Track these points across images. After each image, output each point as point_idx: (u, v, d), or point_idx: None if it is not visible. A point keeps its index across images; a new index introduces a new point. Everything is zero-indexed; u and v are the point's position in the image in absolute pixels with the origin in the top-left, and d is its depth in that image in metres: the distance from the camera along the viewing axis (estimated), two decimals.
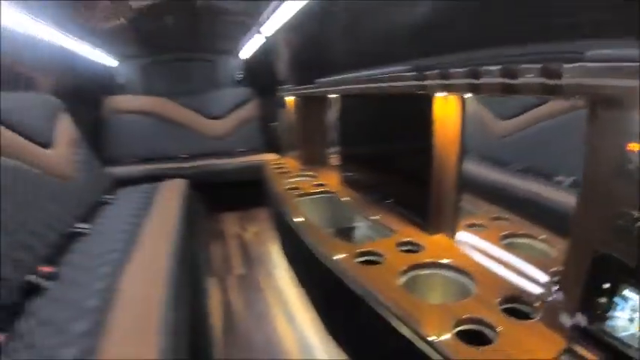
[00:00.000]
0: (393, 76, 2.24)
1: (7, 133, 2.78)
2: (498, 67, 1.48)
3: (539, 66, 1.30)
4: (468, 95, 2.02)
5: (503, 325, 1.43)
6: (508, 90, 1.48)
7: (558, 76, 1.24)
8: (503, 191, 3.29)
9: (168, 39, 5.81)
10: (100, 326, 1.79)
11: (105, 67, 5.94)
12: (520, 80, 1.41)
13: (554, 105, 3.38)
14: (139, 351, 1.61)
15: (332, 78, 3.24)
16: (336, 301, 2.22)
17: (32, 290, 2.12)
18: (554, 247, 1.99)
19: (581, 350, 1.26)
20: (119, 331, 1.76)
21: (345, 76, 2.98)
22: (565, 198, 2.88)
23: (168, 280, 2.19)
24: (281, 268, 4.02)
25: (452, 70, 1.74)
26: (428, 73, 1.92)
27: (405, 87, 2.12)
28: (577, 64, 1.17)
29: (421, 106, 2.15)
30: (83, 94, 5.26)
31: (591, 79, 1.15)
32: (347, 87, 2.92)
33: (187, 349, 1.98)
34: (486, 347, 1.34)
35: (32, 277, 2.15)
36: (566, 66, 1.20)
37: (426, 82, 1.95)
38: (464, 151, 2.10)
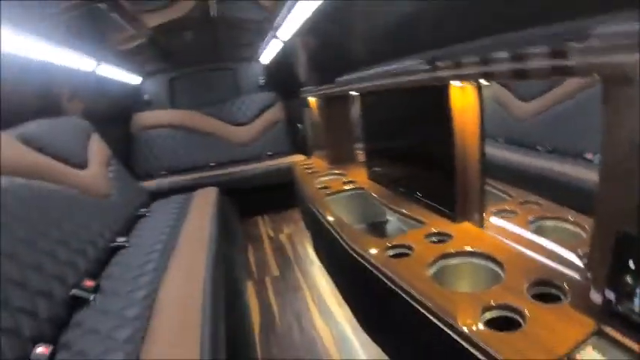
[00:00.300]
0: (408, 70, 2.26)
1: (44, 158, 2.91)
2: (507, 53, 1.48)
3: (546, 48, 1.31)
4: (483, 82, 2.02)
5: (531, 309, 1.43)
6: (520, 75, 1.49)
7: (566, 56, 1.24)
8: (530, 174, 3.28)
9: (188, 52, 5.92)
10: (142, 332, 1.88)
11: (130, 86, 6.05)
12: (530, 64, 1.41)
13: (575, 82, 3.36)
14: (180, 353, 1.68)
15: (350, 76, 3.27)
16: (369, 296, 2.25)
17: (77, 303, 2.22)
18: (584, 228, 2.01)
19: (610, 331, 1.25)
20: (161, 336, 1.84)
21: (362, 73, 3.00)
22: (590, 175, 2.87)
23: (205, 286, 2.26)
24: (315, 266, 4.08)
25: (463, 60, 1.76)
26: (440, 64, 1.93)
27: (420, 80, 2.14)
28: (584, 43, 1.17)
29: (439, 96, 2.15)
30: (112, 114, 5.45)
31: (599, 57, 1.15)
32: (365, 84, 2.95)
33: (227, 351, 2.05)
34: (515, 332, 1.35)
35: (76, 291, 2.25)
36: (573, 45, 1.20)
37: (439, 74, 1.97)
38: (484, 138, 2.09)
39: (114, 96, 5.43)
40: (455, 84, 2.05)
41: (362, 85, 3.01)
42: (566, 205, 2.29)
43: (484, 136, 2.09)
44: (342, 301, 3.15)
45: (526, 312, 1.42)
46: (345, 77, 3.37)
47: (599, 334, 1.26)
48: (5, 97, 2.76)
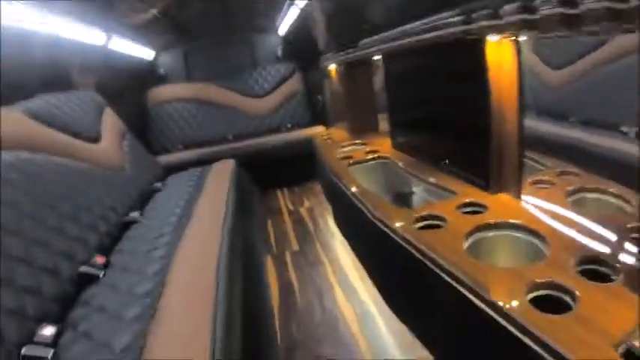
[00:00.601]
0: (439, 24, 2.05)
1: (53, 132, 2.83)
2: None
3: None
4: (523, 38, 1.81)
5: (582, 289, 1.26)
6: (568, 22, 1.28)
7: None
8: (564, 146, 3.09)
9: (203, 24, 5.72)
10: (151, 310, 1.76)
11: (144, 60, 5.94)
12: (582, 8, 1.20)
13: (609, 49, 3.15)
14: (189, 331, 1.56)
15: (374, 37, 3.05)
16: (397, 271, 2.10)
17: (86, 280, 2.13)
18: (628, 202, 1.83)
19: None
20: (170, 313, 1.72)
21: (387, 33, 2.79)
22: (631, 149, 2.69)
23: (220, 261, 2.13)
24: (337, 240, 3.94)
25: (502, 8, 1.55)
26: (476, 15, 1.72)
27: (453, 33, 1.93)
28: None
29: (473, 54, 1.95)
30: (126, 89, 5.33)
31: None
32: (391, 44, 2.73)
33: (244, 330, 1.94)
34: (567, 314, 1.18)
35: (85, 268, 2.16)
36: None
37: (474, 26, 1.76)
38: (524, 100, 1.89)
39: (128, 71, 5.32)
40: (492, 38, 1.84)
41: (387, 45, 2.79)
42: (604, 177, 2.10)
43: (523, 97, 1.89)
44: (365, 276, 3.01)
45: (577, 292, 1.25)
46: (369, 39, 3.15)
47: None
48: (9, 71, 2.64)
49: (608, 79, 3.22)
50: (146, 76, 6.16)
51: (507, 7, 1.52)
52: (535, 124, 3.28)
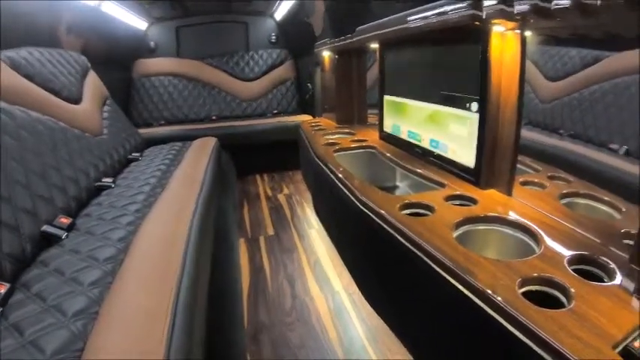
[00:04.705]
0: (443, 10, 1.96)
1: (36, 88, 2.73)
2: None
3: None
4: (529, 33, 1.73)
5: (576, 287, 1.18)
6: (584, 11, 1.19)
7: None
8: (552, 155, 3.07)
9: (200, 1, 5.60)
10: (111, 276, 1.65)
11: (136, 30, 5.79)
12: None
13: (605, 66, 3.15)
14: (150, 301, 1.44)
15: (373, 23, 2.95)
16: (378, 257, 2.00)
17: (48, 241, 2.01)
18: (617, 207, 1.79)
19: None
20: (131, 281, 1.60)
21: (386, 19, 2.69)
22: (618, 164, 2.68)
23: (191, 233, 2.02)
24: (314, 229, 3.89)
25: None
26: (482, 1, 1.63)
27: (456, 19, 1.83)
28: None
29: (475, 44, 1.87)
30: (113, 57, 5.20)
31: None
32: (391, 29, 2.63)
33: (210, 308, 1.83)
34: (562, 310, 1.10)
35: (48, 228, 2.04)
36: None
37: (483, 10, 1.67)
38: (523, 96, 1.82)
39: (117, 38, 5.17)
40: (497, 29, 1.76)
41: (386, 30, 2.69)
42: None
43: (523, 94, 1.81)
44: (340, 268, 2.95)
45: (571, 289, 1.17)
46: (368, 25, 3.05)
47: None
48: None
49: (599, 97, 3.22)
50: (135, 46, 6.01)
51: None
52: (524, 134, 3.26)
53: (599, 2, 1.12)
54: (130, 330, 1.29)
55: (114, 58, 5.22)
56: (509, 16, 1.56)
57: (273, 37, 6.54)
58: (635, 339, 0.99)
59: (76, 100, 3.24)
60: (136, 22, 5.55)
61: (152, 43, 6.17)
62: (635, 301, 1.11)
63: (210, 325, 1.79)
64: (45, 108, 2.70)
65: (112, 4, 4.30)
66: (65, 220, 2.16)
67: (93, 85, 3.74)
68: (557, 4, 1.28)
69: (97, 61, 4.06)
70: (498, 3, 1.57)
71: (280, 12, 5.94)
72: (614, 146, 2.96)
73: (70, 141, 2.76)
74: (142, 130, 4.81)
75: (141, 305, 1.42)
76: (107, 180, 2.90)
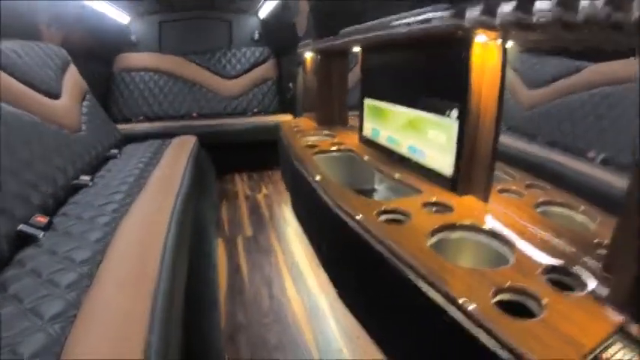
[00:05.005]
0: (427, 18, 1.99)
1: (12, 81, 2.65)
2: None
3: None
4: (510, 44, 1.77)
5: (548, 297, 1.23)
6: (565, 26, 1.23)
7: (628, 7, 1.00)
8: (530, 163, 3.14)
9: None
10: (88, 279, 1.64)
11: (117, 24, 5.71)
12: (581, 14, 1.15)
13: (586, 76, 3.24)
14: (127, 304, 1.45)
15: (357, 26, 2.98)
16: (355, 263, 2.02)
17: (25, 240, 1.99)
18: (592, 217, 1.86)
19: (635, 330, 1.08)
20: (109, 284, 1.60)
21: (372, 22, 2.72)
22: (595, 172, 2.76)
23: (169, 235, 2.01)
24: (292, 230, 3.91)
25: (498, 6, 1.49)
26: (469, 10, 1.67)
27: (441, 28, 1.87)
28: None
29: (457, 52, 1.91)
30: (94, 51, 5.12)
31: None
32: (375, 34, 2.65)
33: (187, 309, 1.83)
34: (533, 320, 1.14)
35: (24, 227, 2.01)
36: None
37: (464, 21, 1.70)
38: (502, 105, 1.86)
39: (99, 32, 5.09)
40: (479, 39, 1.80)
41: (369, 35, 2.72)
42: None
43: (502, 103, 1.86)
44: (318, 270, 2.97)
45: (544, 299, 1.21)
46: (352, 28, 3.08)
47: (624, 332, 1.09)
48: None
49: (578, 106, 3.30)
50: (117, 40, 5.93)
51: (502, 6, 1.47)
52: (503, 139, 3.32)
53: (579, 18, 1.17)
54: (108, 333, 1.30)
55: (95, 52, 5.15)
56: (491, 27, 1.60)
57: (257, 35, 6.52)
58: (605, 349, 1.03)
59: (56, 95, 3.18)
60: (118, 15, 5.48)
61: (134, 38, 6.10)
62: (606, 311, 1.16)
63: (188, 326, 1.80)
64: (23, 102, 2.64)
65: None
66: (42, 219, 2.13)
67: (73, 79, 3.68)
68: (538, 18, 1.32)
69: (77, 55, 3.99)
70: (481, 14, 1.61)
71: (264, 10, 5.92)
72: (591, 154, 3.04)
73: (47, 137, 2.71)
74: (120, 126, 4.73)
75: (119, 308, 1.43)
76: (85, 178, 2.86)
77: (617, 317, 1.13)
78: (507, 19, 1.47)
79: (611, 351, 1.03)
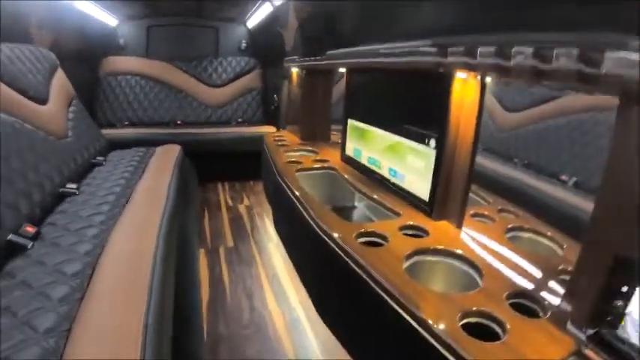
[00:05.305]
0: (411, 51, 2.11)
1: (3, 87, 2.66)
2: (530, 49, 1.35)
3: (577, 51, 1.18)
4: (489, 80, 1.89)
5: (511, 321, 1.34)
6: (539, 75, 1.35)
7: (597, 64, 1.13)
8: (505, 185, 3.28)
9: (172, 2, 5.57)
10: (80, 292, 1.70)
11: (105, 27, 5.73)
12: (554, 65, 1.28)
13: (563, 103, 3.40)
14: (122, 319, 1.51)
15: (342, 50, 3.09)
16: (333, 282, 2.12)
17: (14, 250, 2.02)
18: (560, 245, 1.96)
19: (591, 354, 1.18)
20: (101, 297, 1.66)
21: (358, 48, 2.83)
22: (566, 196, 2.90)
23: (157, 249, 2.08)
24: (273, 243, 3.98)
25: (479, 49, 1.62)
26: (452, 49, 1.79)
27: (424, 63, 1.99)
28: (619, 53, 1.05)
29: (438, 86, 2.02)
30: (81, 53, 5.11)
31: (633, 71, 1.03)
32: (359, 60, 2.77)
33: (173, 320, 1.90)
34: (496, 343, 1.25)
35: (14, 237, 2.04)
36: (607, 54, 1.09)
37: (448, 59, 1.82)
38: (478, 138, 1.98)
39: (87, 34, 5.11)
40: (460, 75, 1.92)
41: (355, 60, 2.83)
42: (540, 218, 2.27)
43: (478, 136, 1.97)
44: (297, 283, 3.05)
45: (507, 323, 1.32)
46: (339, 51, 3.19)
47: (579, 355, 1.20)
48: None
49: (553, 131, 3.46)
50: (104, 43, 5.95)
51: (483, 49, 1.59)
52: (480, 160, 3.46)
53: (552, 69, 1.29)
54: (104, 349, 1.36)
55: (82, 55, 5.16)
56: (471, 68, 1.72)
57: (244, 45, 6.60)
58: None
59: (43, 101, 3.18)
60: (106, 18, 5.50)
61: (122, 41, 6.11)
62: (564, 335, 1.27)
63: (175, 339, 1.85)
64: (12, 108, 2.65)
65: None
66: (30, 229, 2.15)
67: (60, 84, 3.68)
68: (516, 65, 1.44)
69: (64, 57, 4.00)
70: (462, 55, 1.73)
71: (253, 20, 5.98)
72: (564, 177, 3.19)
73: (35, 144, 2.72)
74: (105, 131, 4.75)
75: (113, 324, 1.49)
76: (71, 186, 2.88)
77: (573, 341, 1.23)
78: (486, 62, 1.59)
79: None
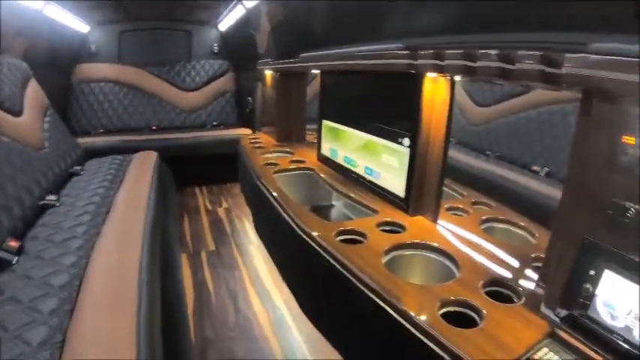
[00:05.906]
0: (382, 53, 2.19)
1: None
2: (496, 51, 1.44)
3: (539, 53, 1.27)
4: (458, 78, 1.98)
5: (487, 308, 1.43)
6: (504, 75, 1.44)
7: (559, 65, 1.22)
8: (479, 177, 3.37)
9: (143, 6, 5.56)
10: (70, 304, 1.73)
11: (76, 33, 5.66)
12: (518, 66, 1.37)
13: (532, 96, 3.51)
14: (112, 328, 1.55)
15: (316, 53, 3.15)
16: (316, 280, 2.18)
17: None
18: (532, 234, 2.06)
19: (564, 334, 1.27)
20: (91, 309, 1.69)
21: (331, 51, 2.90)
22: (538, 186, 3.00)
23: (142, 256, 2.11)
24: (253, 244, 4.03)
25: (447, 51, 1.70)
26: (421, 52, 1.87)
27: (395, 65, 2.07)
28: (579, 55, 1.14)
29: (410, 86, 2.09)
30: (53, 61, 5.06)
31: (592, 71, 1.12)
32: (332, 62, 2.84)
33: (163, 326, 1.93)
34: (473, 329, 1.33)
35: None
36: (567, 55, 1.18)
37: (418, 62, 1.90)
38: (450, 135, 2.07)
39: (58, 41, 5.04)
40: (430, 75, 2.00)
41: (329, 63, 2.90)
42: (512, 208, 2.38)
43: (450, 132, 2.06)
44: (280, 283, 3.11)
45: (483, 310, 1.41)
46: (311, 54, 3.25)
47: (553, 336, 1.28)
48: None
49: (524, 123, 3.57)
50: (76, 50, 5.88)
51: (450, 52, 1.67)
52: (454, 154, 3.55)
53: (516, 70, 1.38)
54: (101, 357, 1.40)
55: (54, 62, 5.10)
56: (440, 70, 1.80)
57: (216, 48, 6.60)
58: (534, 352, 1.22)
59: (18, 112, 3.15)
60: (77, 25, 5.45)
61: (93, 47, 6.05)
62: (539, 319, 1.36)
63: (166, 344, 1.87)
64: None
65: (55, 5, 4.24)
66: (14, 244, 2.15)
67: (34, 94, 3.65)
68: (482, 66, 1.53)
69: (35, 65, 3.95)
70: (432, 57, 1.81)
71: (225, 23, 5.99)
72: (536, 168, 3.30)
73: (12, 157, 2.71)
74: (80, 140, 4.73)
75: (106, 333, 1.52)
76: (51, 198, 2.88)
77: (547, 324, 1.32)
78: (454, 64, 1.68)
79: (540, 354, 1.21)
